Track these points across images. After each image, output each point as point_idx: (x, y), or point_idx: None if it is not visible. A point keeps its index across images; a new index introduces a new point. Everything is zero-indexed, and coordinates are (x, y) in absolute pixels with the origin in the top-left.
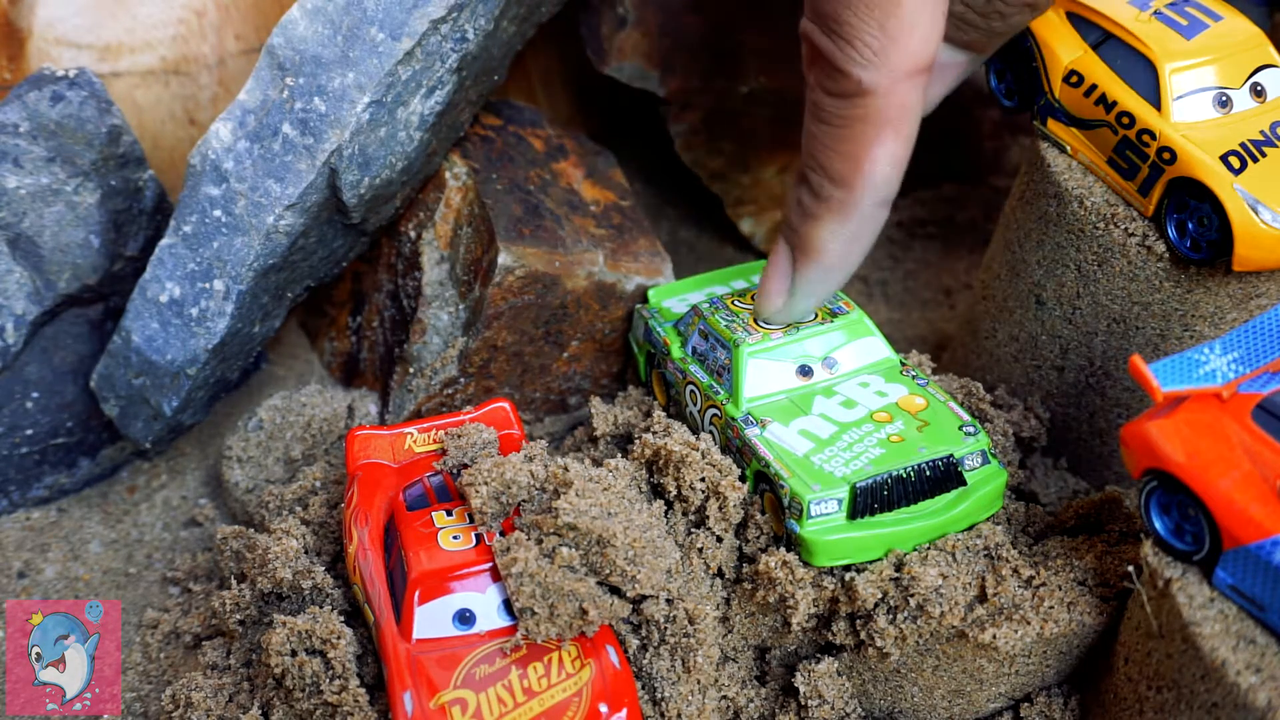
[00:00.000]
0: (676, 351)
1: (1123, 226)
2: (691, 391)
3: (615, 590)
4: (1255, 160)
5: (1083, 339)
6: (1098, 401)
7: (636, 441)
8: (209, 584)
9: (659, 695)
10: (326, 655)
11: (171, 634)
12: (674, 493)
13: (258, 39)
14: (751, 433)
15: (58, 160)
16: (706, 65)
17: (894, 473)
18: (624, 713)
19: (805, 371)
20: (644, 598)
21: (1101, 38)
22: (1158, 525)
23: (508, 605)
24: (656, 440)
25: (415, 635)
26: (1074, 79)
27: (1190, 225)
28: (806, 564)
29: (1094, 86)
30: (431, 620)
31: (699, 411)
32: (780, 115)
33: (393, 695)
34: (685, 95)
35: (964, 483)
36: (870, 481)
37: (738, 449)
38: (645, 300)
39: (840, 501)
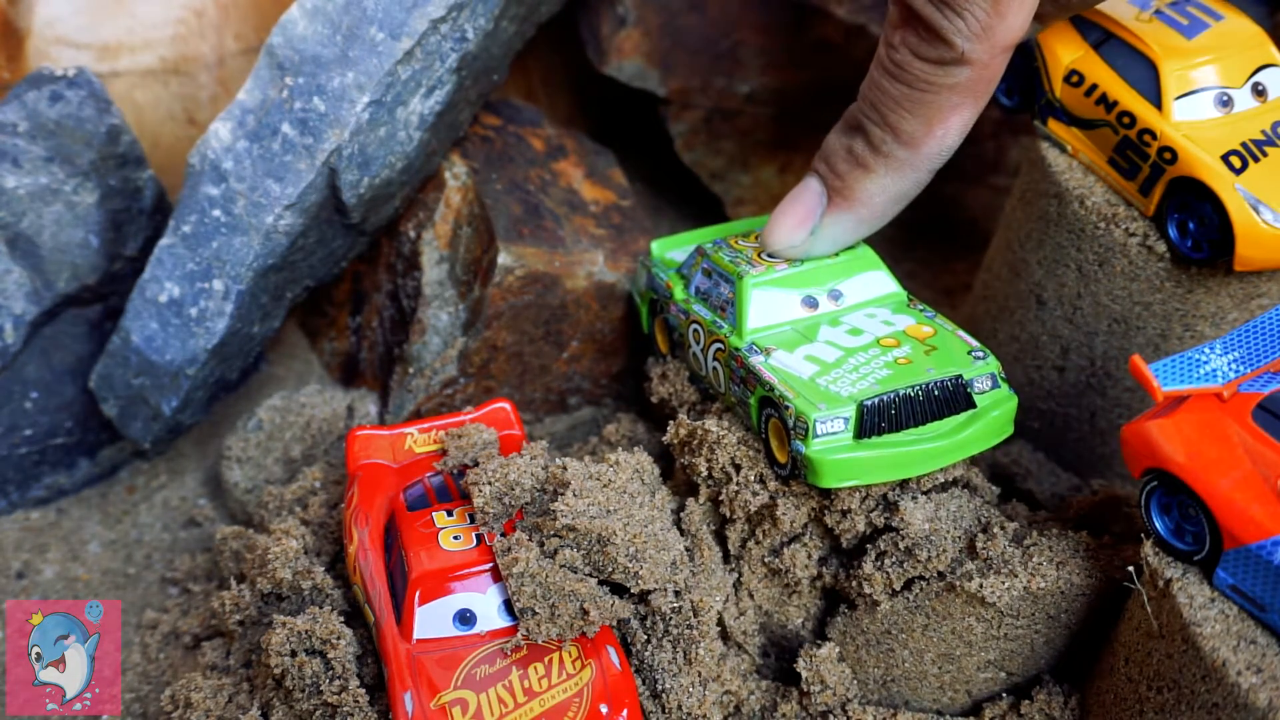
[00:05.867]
0: (679, 293)
1: (1123, 226)
2: (695, 331)
3: (619, 588)
4: (1256, 160)
5: (1083, 339)
6: (1098, 401)
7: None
8: (208, 584)
9: (660, 687)
10: (326, 656)
11: (171, 634)
12: (704, 474)
13: (257, 39)
14: (756, 360)
15: (57, 160)
16: (706, 65)
17: (901, 392)
18: (625, 713)
19: (810, 303)
20: (649, 592)
21: (1102, 37)
22: (1158, 525)
23: (508, 605)
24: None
25: (416, 635)
26: (1074, 79)
27: (1191, 225)
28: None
29: (1095, 86)
30: (432, 620)
31: (702, 350)
32: (780, 115)
33: (393, 695)
34: (685, 95)
35: (973, 405)
36: (877, 400)
37: (741, 379)
38: (657, 229)
39: (846, 420)
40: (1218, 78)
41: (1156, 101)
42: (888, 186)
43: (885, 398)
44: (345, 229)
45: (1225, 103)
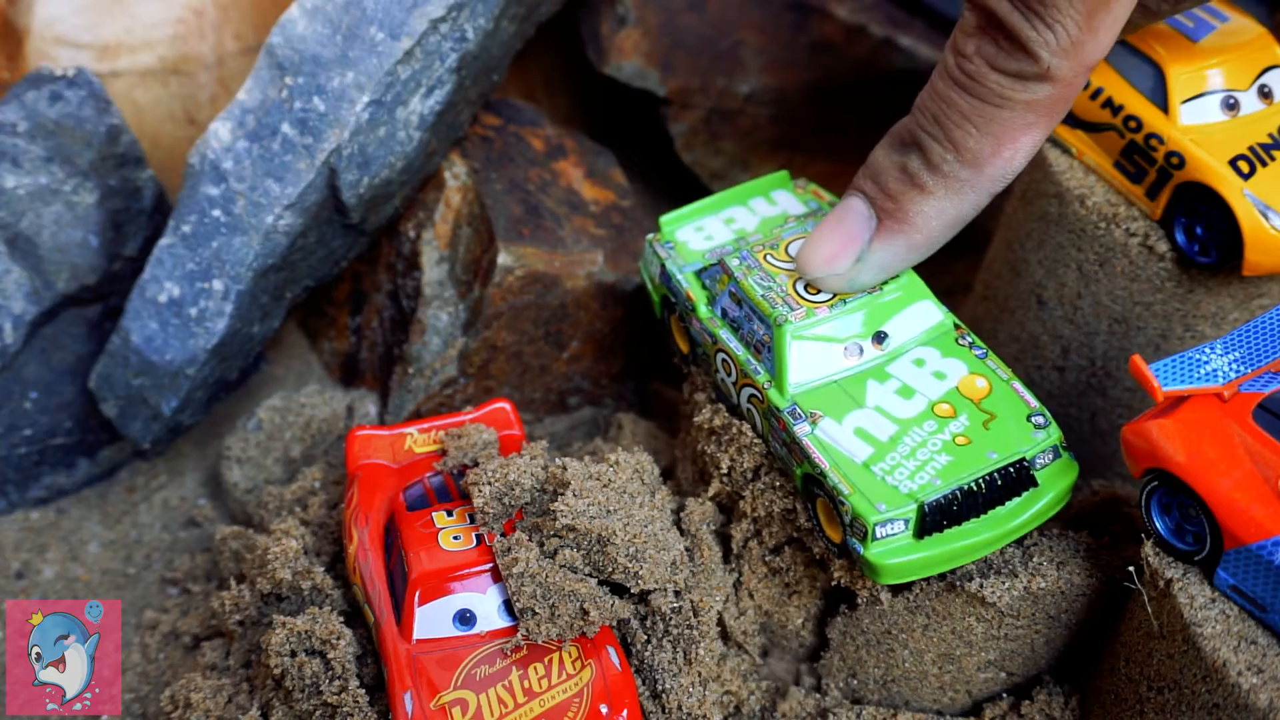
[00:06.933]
0: (703, 310)
1: (1124, 226)
2: (724, 361)
3: (620, 588)
4: (1264, 164)
5: (1084, 339)
6: (1099, 402)
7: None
8: (208, 585)
9: (660, 688)
10: (326, 656)
11: (170, 635)
12: (725, 470)
13: (257, 38)
14: (801, 430)
15: (56, 160)
16: (706, 65)
17: (964, 486)
18: (625, 713)
19: (855, 350)
20: (649, 592)
21: None
22: (1159, 525)
23: (508, 606)
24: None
25: (416, 636)
26: None
27: (1199, 230)
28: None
29: (1100, 89)
30: (432, 621)
31: (734, 385)
32: (780, 115)
33: (393, 696)
34: (685, 95)
35: (1035, 484)
36: (939, 499)
37: (784, 443)
38: (656, 228)
39: (907, 522)
40: (1224, 81)
41: (1163, 105)
42: (945, 210)
43: (947, 495)
44: (345, 229)
45: (1231, 106)
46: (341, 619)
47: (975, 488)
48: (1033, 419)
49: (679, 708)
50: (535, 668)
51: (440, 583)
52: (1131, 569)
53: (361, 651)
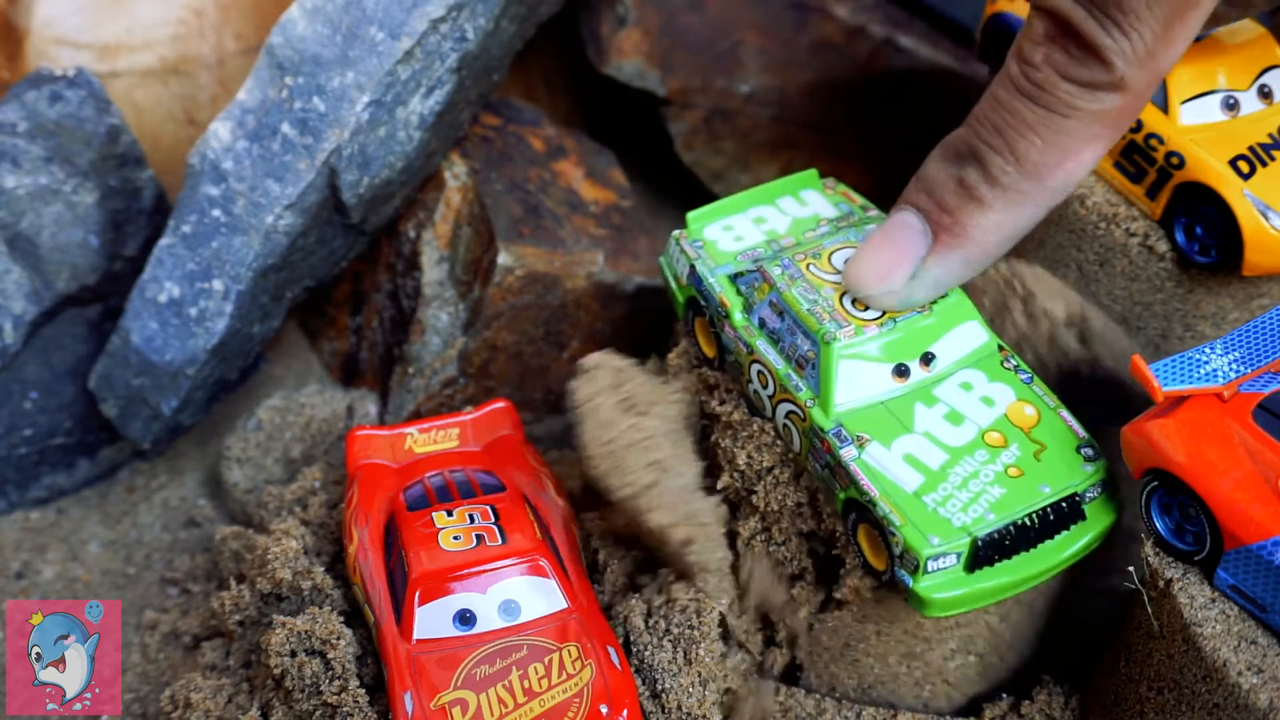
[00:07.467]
0: (739, 318)
1: (1124, 226)
2: (760, 373)
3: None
4: (1264, 164)
5: None
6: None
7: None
8: (208, 585)
9: (659, 687)
10: (326, 656)
11: (170, 635)
12: (741, 465)
13: (257, 38)
14: (847, 454)
15: (56, 160)
16: (706, 65)
17: (1017, 521)
18: (625, 714)
19: (902, 371)
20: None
21: None
22: (1159, 525)
23: (507, 606)
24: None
25: (415, 636)
26: None
27: (1199, 229)
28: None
29: None
30: (432, 621)
31: (770, 399)
32: (780, 115)
33: (393, 696)
34: (685, 95)
35: (1084, 517)
36: (993, 533)
37: (828, 466)
38: (683, 225)
39: (959, 555)
40: (1224, 81)
41: (1163, 105)
42: (1003, 224)
43: (1000, 530)
44: (345, 229)
45: (1231, 106)
46: (341, 619)
47: (1028, 523)
48: (1082, 450)
49: (679, 707)
50: (535, 668)
51: (440, 583)
52: (1131, 569)
53: (361, 651)
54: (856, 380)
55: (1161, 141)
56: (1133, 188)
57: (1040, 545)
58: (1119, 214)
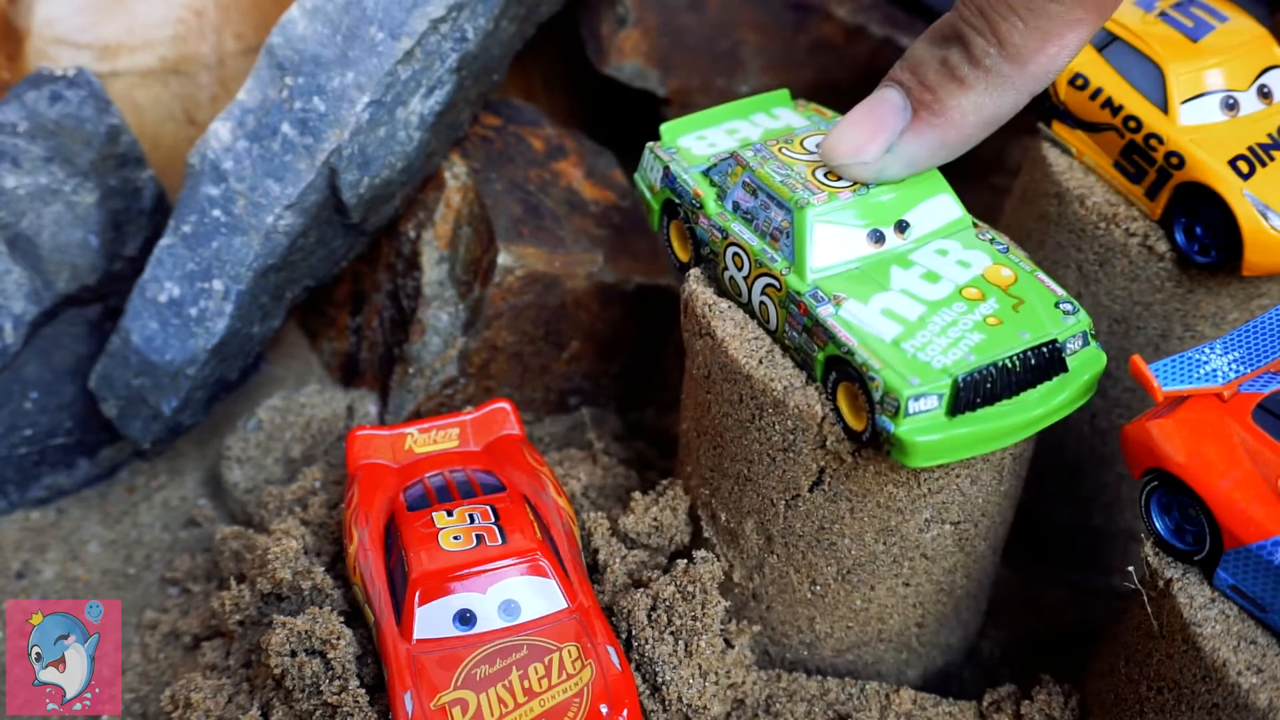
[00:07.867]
0: (712, 206)
1: (1124, 226)
2: (735, 255)
3: None
4: (1263, 164)
5: None
6: (1098, 401)
7: None
8: (208, 585)
9: (660, 680)
10: (326, 656)
11: (171, 635)
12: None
13: (257, 38)
14: (824, 311)
15: (56, 160)
16: (706, 65)
17: (998, 363)
18: (625, 714)
19: (876, 237)
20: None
21: (1107, 40)
22: (1158, 525)
23: (507, 606)
24: None
25: (415, 636)
26: (1079, 82)
27: (1198, 229)
28: None
29: (1100, 90)
30: (432, 621)
31: (746, 279)
32: None
33: (393, 696)
34: (685, 95)
35: (1066, 368)
36: (974, 374)
37: (805, 329)
38: (657, 137)
39: (941, 397)
40: (1224, 81)
41: (1163, 105)
42: (983, 105)
43: (981, 371)
44: (345, 229)
45: (1231, 106)
46: (341, 619)
47: (1010, 365)
48: (1061, 305)
49: (679, 699)
50: (535, 668)
51: (440, 583)
52: (1131, 569)
53: (361, 651)
54: (831, 244)
55: (1161, 141)
56: (1132, 188)
57: (1023, 394)
58: (1119, 214)
